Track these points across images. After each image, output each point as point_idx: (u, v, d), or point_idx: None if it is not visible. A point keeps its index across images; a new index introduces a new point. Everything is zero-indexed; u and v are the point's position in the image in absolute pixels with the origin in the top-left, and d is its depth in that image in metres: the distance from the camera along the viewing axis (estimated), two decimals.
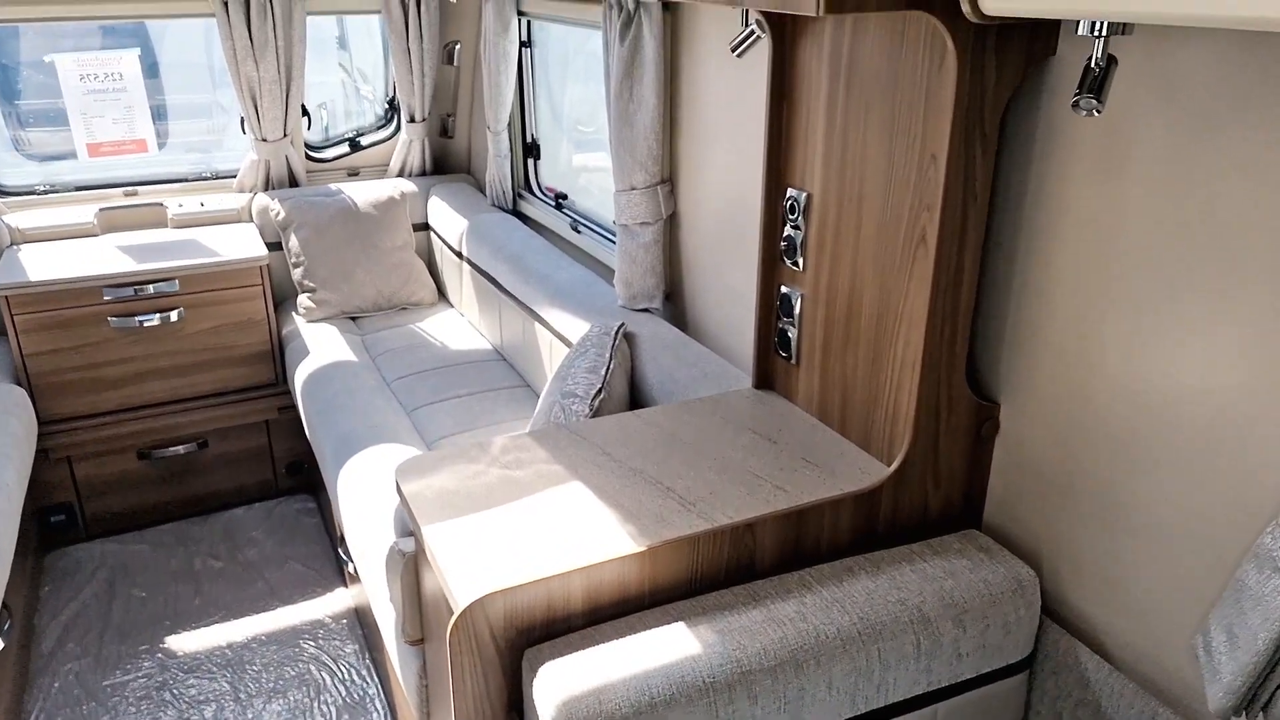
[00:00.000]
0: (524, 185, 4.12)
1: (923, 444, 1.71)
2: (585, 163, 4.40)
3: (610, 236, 3.39)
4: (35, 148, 4.19)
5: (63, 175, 4.07)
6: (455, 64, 4.33)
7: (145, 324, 3.57)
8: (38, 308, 3.40)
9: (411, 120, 4.35)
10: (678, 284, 2.90)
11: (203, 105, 4.65)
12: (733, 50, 2.00)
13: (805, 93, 1.86)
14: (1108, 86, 1.22)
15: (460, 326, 4.03)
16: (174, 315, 3.61)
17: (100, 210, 3.94)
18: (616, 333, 2.62)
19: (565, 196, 3.85)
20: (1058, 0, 1.13)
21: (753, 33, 1.97)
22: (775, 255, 2.05)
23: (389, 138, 4.59)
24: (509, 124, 3.94)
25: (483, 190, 4.45)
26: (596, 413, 2.29)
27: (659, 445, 1.89)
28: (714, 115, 2.55)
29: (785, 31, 1.88)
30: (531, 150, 4.06)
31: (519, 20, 3.67)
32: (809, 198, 1.91)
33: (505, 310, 3.57)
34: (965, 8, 1.25)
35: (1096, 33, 1.20)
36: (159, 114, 4.45)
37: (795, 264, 1.98)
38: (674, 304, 2.94)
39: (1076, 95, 1.23)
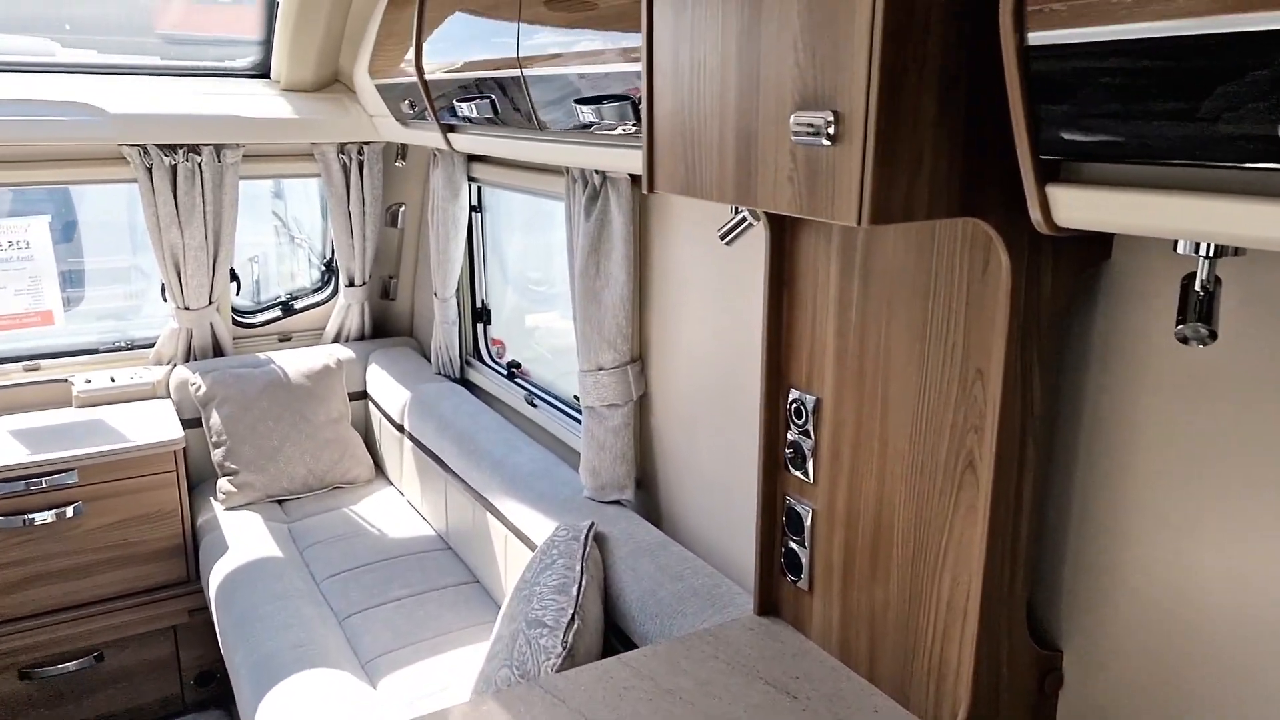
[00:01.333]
0: (473, 352, 3.86)
1: (983, 708, 1.41)
2: (539, 323, 4.18)
3: (571, 412, 3.12)
4: None
5: None
6: (399, 226, 4.13)
7: (36, 522, 3.11)
8: None
9: (351, 284, 4.09)
10: (650, 471, 2.61)
11: (120, 270, 4.33)
12: (722, 238, 1.80)
13: (810, 285, 1.65)
14: (1217, 310, 1.02)
15: (400, 509, 3.64)
16: (70, 511, 3.17)
17: None
18: (587, 538, 2.30)
19: (519, 365, 3.58)
20: (1163, 218, 0.92)
21: (745, 221, 1.78)
22: (777, 462, 1.79)
23: (325, 300, 4.31)
24: (457, 288, 3.71)
25: (426, 356, 4.16)
26: (570, 650, 1.93)
27: (655, 710, 1.54)
28: (688, 292, 2.34)
29: (785, 221, 1.68)
30: (481, 315, 3.82)
31: (469, 185, 3.50)
32: (819, 402, 1.67)
33: (452, 493, 3.22)
34: (1035, 217, 1.04)
35: (1204, 253, 1.00)
36: (71, 279, 4.11)
37: (804, 474, 1.72)
38: (646, 492, 2.65)
39: (1181, 323, 1.02)
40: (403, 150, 3.79)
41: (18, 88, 3.04)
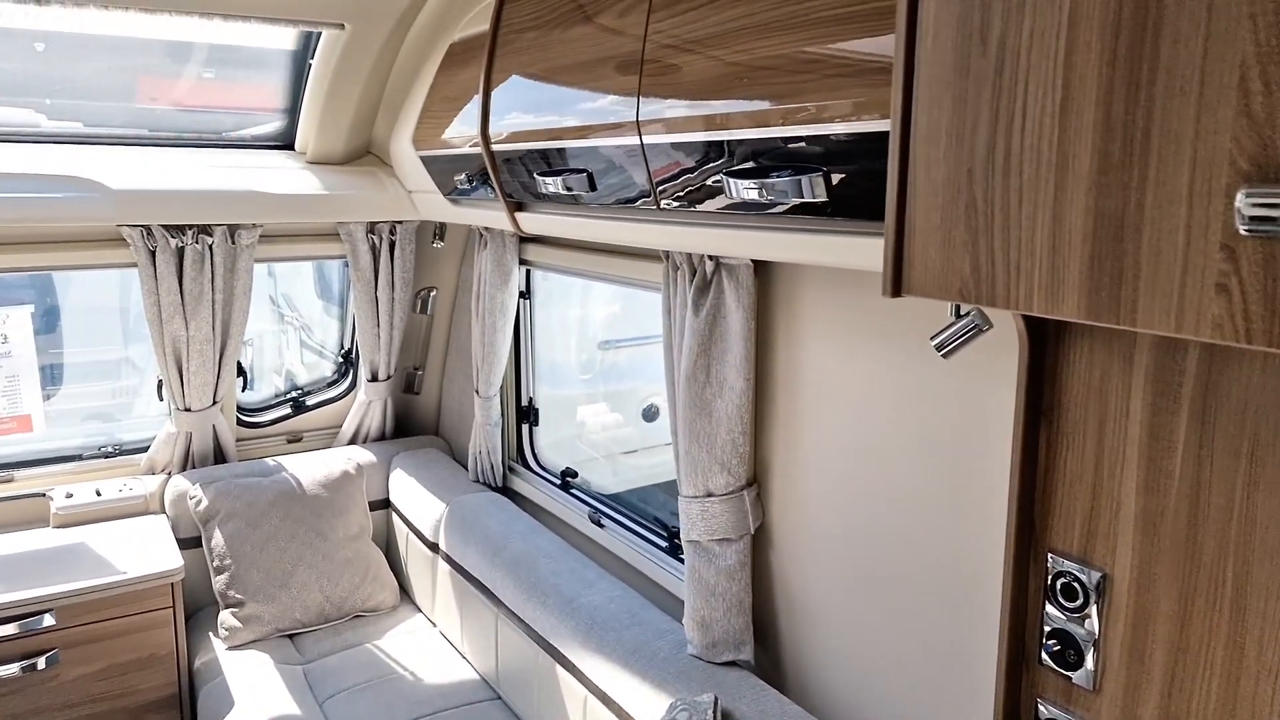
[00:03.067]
0: (516, 457, 3.38)
1: None
2: (591, 419, 3.74)
3: (651, 536, 2.64)
4: None
5: None
6: (429, 313, 3.69)
7: (0, 675, 2.56)
8: None
9: (374, 379, 3.63)
10: (770, 622, 2.13)
11: (109, 363, 3.84)
12: (938, 348, 1.38)
13: (1092, 418, 1.22)
14: None
15: (434, 645, 3.11)
16: (42, 662, 2.62)
17: None
18: (715, 716, 1.80)
19: (574, 474, 3.11)
20: None
21: (973, 326, 1.35)
22: (1026, 654, 1.32)
23: (341, 396, 3.83)
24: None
25: (456, 458, 3.68)
26: None
27: None
28: (823, 402, 1.91)
29: (1049, 327, 1.25)
30: (527, 415, 3.36)
31: (520, 269, 3.08)
32: (1105, 579, 1.21)
33: (505, 631, 2.71)
34: None
35: None
36: (52, 375, 3.62)
37: (1076, 676, 1.26)
38: (764, 649, 2.16)
39: None
40: (440, 230, 3.37)
41: (3, 160, 2.60)
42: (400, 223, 3.35)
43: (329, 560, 3.21)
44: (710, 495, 2.09)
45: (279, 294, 4.40)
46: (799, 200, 1.43)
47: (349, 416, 3.74)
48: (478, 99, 2.35)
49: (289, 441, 3.76)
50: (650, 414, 5.86)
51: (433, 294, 3.65)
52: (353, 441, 3.78)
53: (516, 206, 2.41)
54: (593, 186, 1.96)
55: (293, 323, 5.49)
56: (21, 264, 2.88)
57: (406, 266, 3.44)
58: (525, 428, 3.37)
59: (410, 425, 3.95)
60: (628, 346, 5.91)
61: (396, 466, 3.58)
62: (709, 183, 1.62)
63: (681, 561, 2.54)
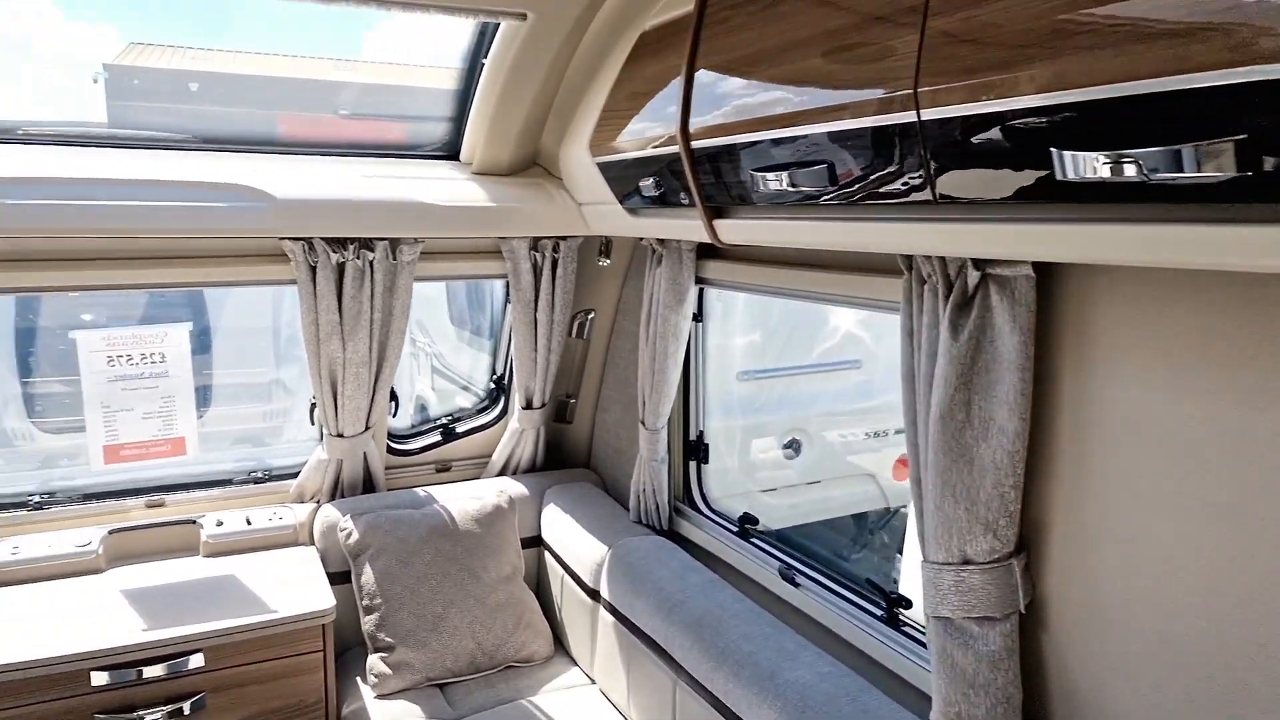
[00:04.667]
0: (683, 497, 3.05)
1: None
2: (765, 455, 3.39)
3: (864, 605, 2.25)
4: (34, 444, 3.26)
5: (64, 480, 3.06)
6: (585, 337, 3.42)
7: None
8: None
9: (528, 406, 3.38)
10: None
11: (261, 385, 3.75)
12: None
13: None
14: None
15: (594, 703, 2.79)
16: (188, 707, 2.43)
17: (109, 533, 2.88)
18: None
19: (754, 521, 2.75)
20: None
21: None
22: None
23: (491, 423, 3.60)
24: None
25: (610, 493, 3.38)
26: None
27: None
28: (1139, 449, 1.49)
29: None
30: (695, 451, 3.03)
31: (695, 289, 2.77)
32: None
33: (686, 701, 2.36)
34: None
35: None
36: (203, 396, 3.54)
37: None
38: None
39: None
40: (607, 246, 3.10)
41: (161, 166, 2.47)
42: (564, 239, 3.10)
43: (481, 604, 2.95)
44: (968, 563, 1.69)
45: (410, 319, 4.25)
46: (1187, 176, 1.05)
47: (500, 445, 3.50)
48: (674, 91, 2.05)
49: (438, 470, 3.55)
50: (793, 448, 5.45)
51: (590, 317, 3.38)
52: (502, 472, 3.54)
53: (715, 213, 2.09)
54: (833, 180, 1.62)
55: (425, 348, 5.35)
56: (182, 279, 2.76)
57: (567, 287, 3.19)
58: (694, 465, 3.04)
59: (561, 456, 3.69)
60: (768, 378, 5.54)
61: (549, 501, 3.30)
62: (1027, 162, 1.25)
63: (902, 634, 2.14)
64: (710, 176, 2.00)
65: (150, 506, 3.07)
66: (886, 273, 2.01)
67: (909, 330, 1.80)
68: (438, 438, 3.54)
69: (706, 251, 2.69)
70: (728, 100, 1.87)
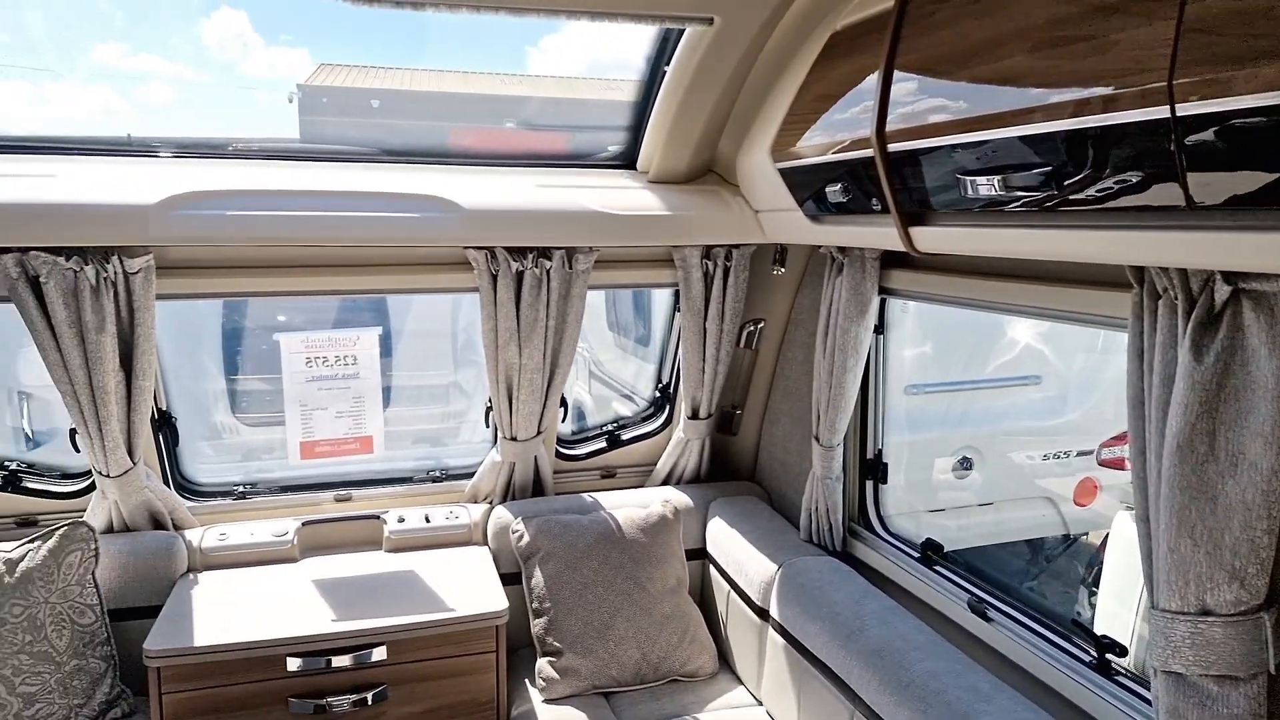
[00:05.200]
0: (858, 518, 2.92)
1: None
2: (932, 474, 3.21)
3: (1070, 649, 2.06)
4: (239, 437, 3.50)
5: (264, 473, 3.28)
6: (753, 348, 3.34)
7: (333, 708, 2.50)
8: (198, 684, 2.41)
9: (694, 416, 3.34)
10: None
11: (439, 387, 3.89)
12: None
13: None
14: None
15: None
16: (371, 698, 2.53)
17: (303, 525, 3.05)
18: None
19: (939, 549, 2.59)
20: None
21: None
22: None
23: (656, 431, 3.58)
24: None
25: (777, 508, 3.28)
26: None
27: None
28: None
29: None
30: (873, 470, 2.89)
31: (878, 300, 2.64)
32: None
33: None
34: None
35: None
36: (384, 397, 3.70)
37: None
38: None
39: None
40: (781, 254, 3.02)
41: (348, 179, 2.59)
42: (738, 247, 3.04)
43: (647, 615, 2.93)
44: (1208, 614, 1.50)
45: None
46: None
47: (665, 455, 3.48)
48: (868, 92, 1.95)
49: (602, 476, 3.57)
50: (965, 467, 5.14)
51: (760, 327, 3.30)
52: (666, 481, 3.52)
53: (911, 220, 1.97)
54: (1055, 184, 1.48)
55: (584, 354, 5.41)
56: (371, 286, 2.89)
57: (738, 296, 3.12)
58: (870, 484, 2.90)
59: (726, 469, 3.62)
60: (938, 392, 5.26)
61: (714, 514, 3.24)
62: None
63: (1114, 681, 1.94)
64: (907, 181, 1.89)
65: (339, 500, 3.24)
66: (1109, 285, 1.82)
67: (1138, 350, 1.63)
68: (603, 444, 3.56)
69: (892, 260, 2.56)
70: (930, 100, 1.75)
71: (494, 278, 2.85)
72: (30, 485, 2.92)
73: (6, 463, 2.93)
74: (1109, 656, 1.96)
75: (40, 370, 2.61)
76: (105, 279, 2.48)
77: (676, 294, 3.24)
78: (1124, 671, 1.95)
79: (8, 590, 2.47)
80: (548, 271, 2.87)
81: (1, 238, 2.28)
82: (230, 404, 3.63)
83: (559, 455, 3.46)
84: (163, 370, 2.94)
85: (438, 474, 3.40)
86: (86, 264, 2.44)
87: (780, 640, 2.66)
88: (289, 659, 2.46)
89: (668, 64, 2.49)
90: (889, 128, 1.87)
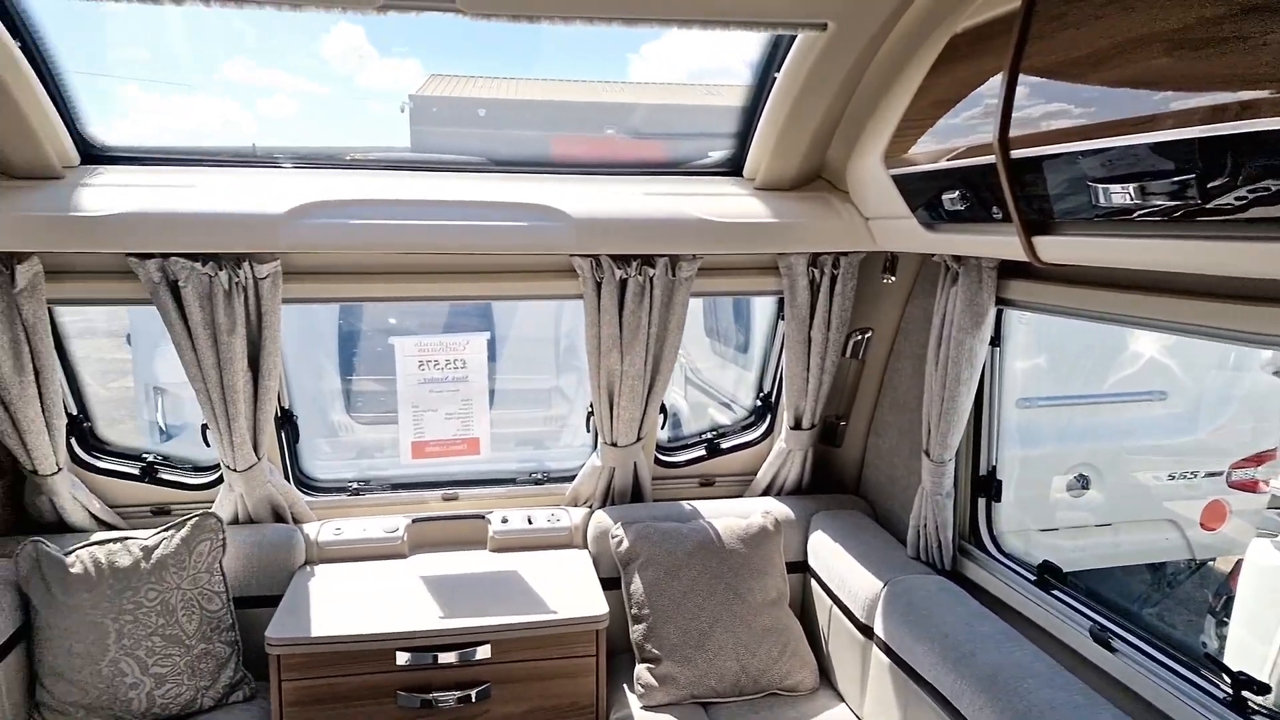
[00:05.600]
0: (969, 537, 2.82)
1: None
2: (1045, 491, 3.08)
3: (1192, 674, 1.94)
4: (353, 435, 3.64)
5: (377, 470, 3.40)
6: (860, 358, 3.27)
7: (438, 704, 2.56)
8: (315, 673, 2.51)
9: (796, 426, 3.29)
10: None
11: (541, 391, 3.96)
12: None
13: None
14: None
15: None
16: (474, 695, 2.58)
17: (412, 522, 3.15)
18: None
19: (1056, 571, 2.48)
20: None
21: None
22: None
23: (757, 441, 3.55)
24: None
25: (882, 523, 3.20)
26: None
27: None
28: None
29: None
30: (986, 486, 2.78)
31: (995, 310, 2.54)
32: None
33: None
34: None
35: None
36: (491, 399, 3.79)
37: None
38: None
39: None
40: (892, 262, 2.95)
41: (458, 188, 2.66)
42: (845, 255, 2.98)
43: (747, 626, 2.90)
44: None
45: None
46: None
47: (765, 465, 3.44)
48: (990, 96, 1.88)
49: (701, 485, 3.56)
50: (1080, 485, 4.89)
51: (867, 337, 3.23)
52: (766, 491, 3.48)
53: (1034, 228, 1.89)
54: (1202, 192, 1.39)
55: (681, 360, 5.40)
56: (479, 292, 2.96)
57: (845, 305, 3.06)
58: (982, 502, 2.79)
59: (829, 481, 3.56)
60: (1053, 406, 5.03)
61: (816, 527, 3.19)
62: None
63: None
64: (1031, 188, 1.81)
65: (446, 500, 3.33)
66: (1254, 300, 1.70)
67: None
68: (702, 452, 3.54)
69: (1011, 270, 2.47)
70: (1058, 104, 1.68)
71: (598, 285, 2.87)
72: (165, 477, 3.11)
73: (144, 455, 3.13)
74: (1245, 694, 1.83)
75: (174, 368, 2.78)
76: (237, 284, 2.62)
77: (780, 301, 3.21)
78: (1263, 710, 1.82)
79: (144, 575, 2.63)
80: (651, 279, 2.88)
81: (148, 244, 2.44)
82: (346, 403, 3.78)
83: (658, 462, 3.47)
84: (286, 371, 3.08)
85: (540, 476, 3.45)
86: (221, 269, 2.59)
87: (885, 659, 2.59)
88: (398, 653, 2.54)
89: (778, 70, 2.46)
90: (1012, 133, 1.80)
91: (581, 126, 3.46)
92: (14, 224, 2.31)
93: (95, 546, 2.66)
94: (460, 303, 3.74)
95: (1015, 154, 1.80)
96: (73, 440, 3.01)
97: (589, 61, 3.35)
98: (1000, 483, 2.77)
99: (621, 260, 2.84)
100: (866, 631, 2.73)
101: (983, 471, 2.79)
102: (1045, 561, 2.51)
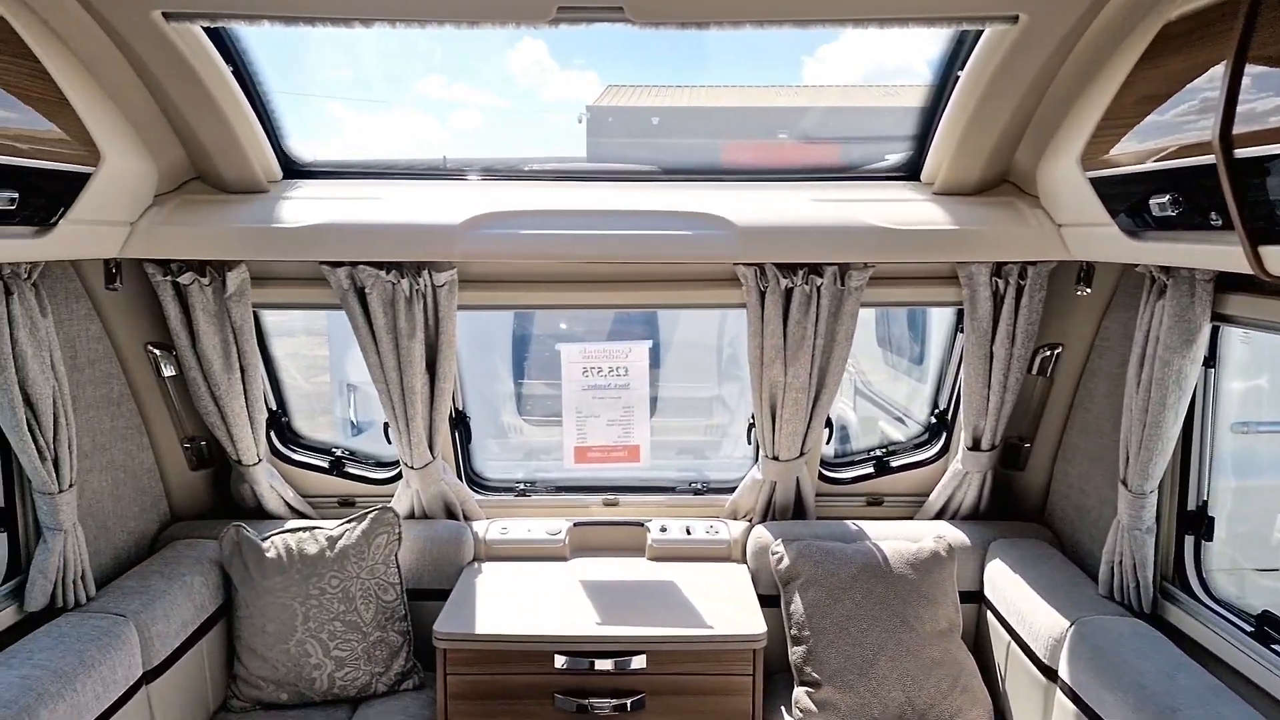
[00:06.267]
0: (1174, 579, 2.53)
1: None
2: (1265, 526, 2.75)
3: None
4: (522, 436, 3.74)
5: (543, 473, 3.49)
6: (1048, 375, 3.02)
7: (594, 709, 2.58)
8: (478, 669, 2.60)
9: (975, 447, 3.08)
10: None
11: (702, 400, 3.93)
12: None
13: None
14: None
15: None
16: (629, 705, 2.58)
17: (574, 525, 3.20)
18: None
19: (1278, 622, 2.18)
20: None
21: None
22: None
23: (930, 460, 3.36)
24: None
25: (1070, 555, 2.94)
26: None
27: None
28: None
29: None
30: (1195, 523, 2.49)
31: (1209, 328, 2.27)
32: None
33: None
34: None
35: None
36: (650, 407, 3.81)
37: None
38: None
39: None
40: (1087, 272, 2.70)
41: (630, 198, 2.67)
42: (1034, 264, 2.76)
43: (914, 657, 2.74)
44: None
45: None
46: None
47: (939, 486, 3.25)
48: (1209, 89, 1.68)
49: (868, 504, 3.40)
50: None
51: (1056, 353, 2.97)
52: (939, 515, 3.28)
53: (1261, 237, 1.66)
54: None
55: (850, 370, 5.20)
56: (645, 301, 2.97)
57: (1032, 318, 2.84)
58: (1190, 540, 2.50)
59: (1009, 506, 3.31)
60: (1276, 432, 4.47)
61: (994, 555, 2.97)
62: None
63: None
64: (1258, 192, 1.60)
65: (606, 504, 3.36)
66: None
67: None
68: (870, 470, 3.39)
69: (1230, 282, 2.19)
70: None
71: (762, 294, 2.81)
72: (351, 471, 3.32)
73: (334, 449, 3.35)
74: None
75: (363, 368, 2.96)
76: (417, 290, 2.76)
77: (959, 313, 3.02)
78: None
79: (328, 563, 2.82)
80: (818, 288, 2.78)
81: (338, 253, 2.61)
82: (517, 405, 3.90)
83: (822, 478, 3.35)
84: (460, 374, 3.22)
85: (699, 486, 3.42)
86: (403, 277, 2.73)
87: (1070, 706, 2.37)
88: (557, 656, 2.58)
89: (961, 68, 2.31)
90: (1236, 130, 1.59)
91: (754, 132, 3.41)
92: (227, 235, 2.54)
93: (288, 534, 2.87)
94: (626, 311, 3.77)
95: (1239, 153, 1.60)
96: (272, 433, 3.27)
97: (762, 66, 3.30)
98: (1212, 519, 2.47)
99: (787, 269, 2.76)
100: (1049, 673, 2.51)
101: (1191, 506, 2.50)
102: (1266, 612, 2.21)
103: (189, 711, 2.65)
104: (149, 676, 2.46)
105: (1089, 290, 2.69)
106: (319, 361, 6.11)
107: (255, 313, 2.95)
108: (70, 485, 2.40)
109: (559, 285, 2.91)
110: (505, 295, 2.92)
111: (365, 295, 2.76)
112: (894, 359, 5.46)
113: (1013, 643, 2.73)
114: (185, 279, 2.69)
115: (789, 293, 2.81)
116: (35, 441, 2.29)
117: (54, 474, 2.35)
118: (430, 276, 2.76)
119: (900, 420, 4.52)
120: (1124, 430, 2.48)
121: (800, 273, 2.76)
